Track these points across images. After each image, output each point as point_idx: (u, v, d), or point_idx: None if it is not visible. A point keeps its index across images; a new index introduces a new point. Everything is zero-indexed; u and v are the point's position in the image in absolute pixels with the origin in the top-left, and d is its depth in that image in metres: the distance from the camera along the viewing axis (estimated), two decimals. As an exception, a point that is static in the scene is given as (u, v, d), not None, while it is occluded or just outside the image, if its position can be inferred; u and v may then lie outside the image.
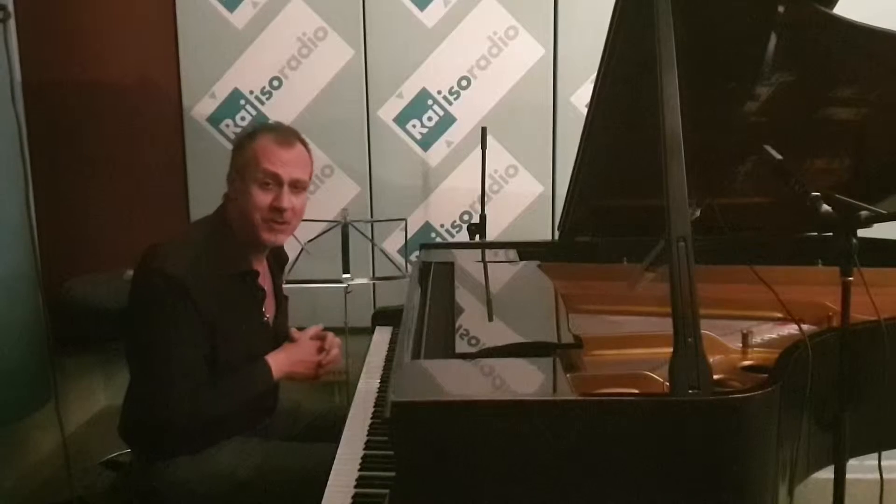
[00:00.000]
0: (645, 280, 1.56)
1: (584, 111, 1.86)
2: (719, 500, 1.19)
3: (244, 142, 1.85)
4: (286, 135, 1.85)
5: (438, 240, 3.15)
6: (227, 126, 3.12)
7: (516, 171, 3.12)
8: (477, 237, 2.66)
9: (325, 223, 2.67)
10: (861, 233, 1.34)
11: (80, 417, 3.14)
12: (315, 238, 2.64)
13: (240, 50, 3.08)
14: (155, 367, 1.71)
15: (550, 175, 3.10)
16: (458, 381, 1.34)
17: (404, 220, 2.84)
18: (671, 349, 1.19)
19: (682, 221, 1.23)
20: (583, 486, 1.17)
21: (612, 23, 1.61)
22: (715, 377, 1.28)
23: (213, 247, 1.81)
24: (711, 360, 1.23)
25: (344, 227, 2.66)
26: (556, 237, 2.29)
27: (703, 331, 1.21)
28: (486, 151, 2.72)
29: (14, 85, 2.39)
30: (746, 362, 1.62)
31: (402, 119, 3.10)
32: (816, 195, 1.33)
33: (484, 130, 2.74)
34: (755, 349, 1.67)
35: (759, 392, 1.21)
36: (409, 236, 2.86)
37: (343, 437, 1.62)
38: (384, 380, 1.91)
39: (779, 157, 1.43)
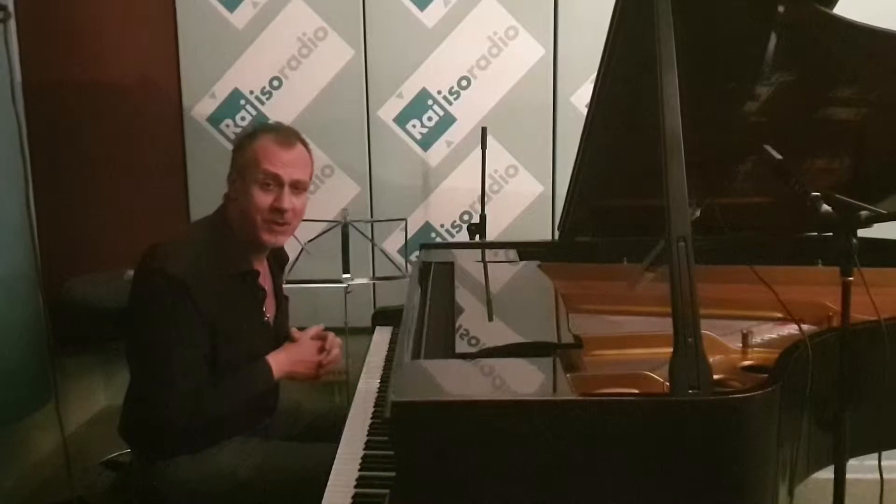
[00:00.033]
0: (645, 280, 1.56)
1: (584, 111, 1.86)
2: (719, 500, 1.19)
3: (244, 142, 1.85)
4: (287, 135, 1.85)
5: (438, 240, 3.15)
6: (228, 126, 3.12)
7: (516, 171, 3.12)
8: (477, 237, 2.66)
9: (326, 223, 2.67)
10: (861, 233, 1.34)
11: (81, 417, 3.15)
12: (315, 238, 2.64)
13: (240, 50, 3.08)
14: (155, 367, 1.71)
15: (550, 175, 3.10)
16: (458, 381, 1.34)
17: (404, 220, 2.84)
18: (671, 349, 1.19)
19: (682, 221, 1.23)
20: (583, 486, 1.17)
21: (612, 23, 1.61)
22: (715, 377, 1.28)
23: (213, 247, 1.81)
24: (711, 360, 1.23)
25: (344, 227, 2.66)
26: (556, 237, 2.29)
27: (703, 331, 1.21)
28: (486, 151, 2.72)
29: (14, 85, 2.39)
30: (746, 362, 1.62)
31: (402, 119, 3.10)
32: (816, 195, 1.33)
33: (484, 130, 2.74)
34: (755, 349, 1.67)
35: (760, 392, 1.21)
36: (409, 236, 2.86)
37: (343, 436, 1.62)
38: (384, 380, 1.91)
39: (779, 157, 1.43)
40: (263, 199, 1.80)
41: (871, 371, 1.52)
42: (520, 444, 1.16)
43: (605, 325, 1.83)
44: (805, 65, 1.76)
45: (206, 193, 2.97)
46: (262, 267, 1.94)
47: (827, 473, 1.47)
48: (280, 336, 1.96)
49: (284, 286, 2.08)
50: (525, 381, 1.37)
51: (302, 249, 2.57)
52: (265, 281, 1.93)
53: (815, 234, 2.15)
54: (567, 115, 3.04)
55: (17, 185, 2.48)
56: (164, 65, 3.12)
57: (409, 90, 3.08)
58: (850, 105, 1.89)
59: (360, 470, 1.47)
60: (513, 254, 2.26)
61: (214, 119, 3.13)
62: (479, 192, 2.73)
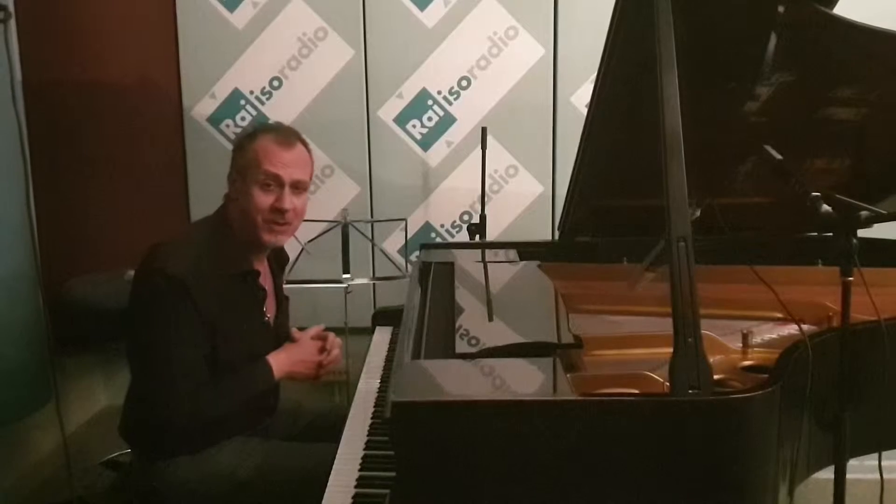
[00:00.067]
0: (645, 280, 1.57)
1: (584, 111, 1.86)
2: (719, 501, 1.19)
3: (245, 142, 1.85)
4: (287, 135, 1.85)
5: (438, 240, 3.14)
6: (228, 126, 3.12)
7: (516, 171, 3.12)
8: (477, 237, 2.66)
9: (326, 223, 2.67)
10: (861, 233, 1.34)
11: (81, 417, 3.14)
12: (315, 238, 2.64)
13: (240, 50, 3.07)
14: (156, 367, 1.71)
15: (550, 175, 3.10)
16: (458, 381, 1.34)
17: (404, 220, 2.84)
18: (671, 349, 1.19)
19: (682, 221, 1.23)
20: (583, 486, 1.17)
21: (612, 23, 1.61)
22: (715, 377, 1.28)
23: (214, 247, 1.81)
24: (711, 360, 1.23)
25: (344, 228, 2.66)
26: (556, 237, 2.29)
27: (703, 331, 1.21)
28: (486, 151, 2.72)
29: (14, 85, 2.38)
30: (746, 362, 1.62)
31: (402, 119, 3.10)
32: (816, 195, 1.33)
33: (484, 130, 2.74)
34: (755, 349, 1.67)
35: (760, 392, 1.21)
36: (409, 236, 2.86)
37: (343, 436, 1.62)
38: (384, 380, 1.91)
39: (779, 157, 1.43)
40: (264, 199, 1.80)
41: (871, 371, 1.52)
42: (520, 444, 1.16)
43: (605, 325, 1.83)
44: (805, 65, 1.76)
45: (206, 193, 2.97)
46: (263, 267, 1.94)
47: (827, 473, 1.47)
48: (280, 336, 1.96)
49: (285, 286, 2.08)
50: (525, 381, 1.37)
51: (302, 249, 2.57)
52: (266, 281, 1.93)
53: (815, 234, 2.15)
54: (567, 115, 3.04)
55: (17, 185, 2.47)
56: (164, 65, 3.12)
57: (409, 90, 3.07)
58: (851, 105, 1.89)
59: (360, 470, 1.47)
60: (513, 254, 2.26)
61: (214, 119, 3.13)
62: (479, 192, 2.73)
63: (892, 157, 2.00)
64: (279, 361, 1.86)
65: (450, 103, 3.08)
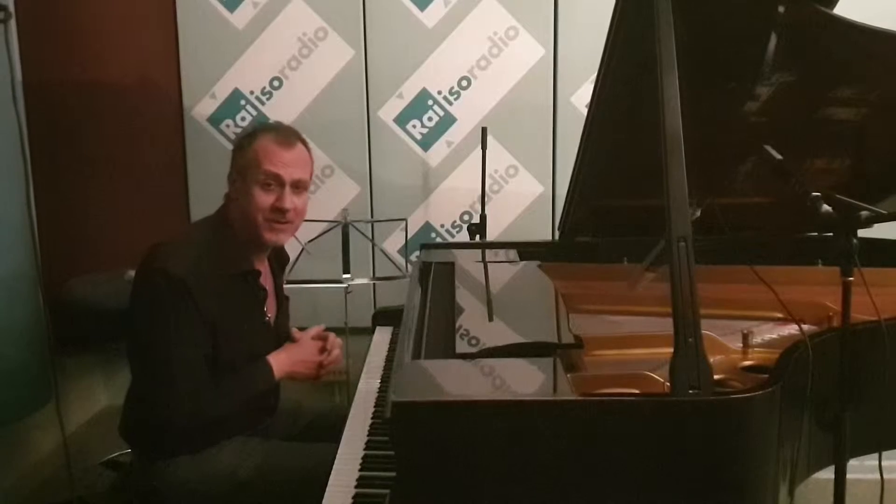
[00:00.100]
0: (645, 280, 1.57)
1: (584, 111, 1.86)
2: (719, 501, 1.19)
3: (245, 142, 1.85)
4: (287, 135, 1.85)
5: (439, 240, 3.14)
6: (228, 126, 3.12)
7: (516, 171, 3.12)
8: (477, 237, 2.66)
9: (326, 223, 2.67)
10: (861, 233, 1.34)
11: (81, 417, 3.14)
12: (315, 238, 2.64)
13: (240, 50, 3.07)
14: (156, 367, 1.71)
15: (550, 175, 3.10)
16: (458, 381, 1.34)
17: (404, 220, 2.84)
18: (671, 349, 1.19)
19: (682, 221, 1.23)
20: (583, 486, 1.17)
21: (612, 23, 1.61)
22: (715, 377, 1.28)
23: (214, 247, 1.81)
24: (712, 360, 1.23)
25: (344, 228, 2.66)
26: (557, 237, 2.29)
27: (703, 331, 1.21)
28: (487, 151, 2.72)
29: (15, 85, 2.38)
30: (747, 362, 1.62)
31: (402, 119, 3.10)
32: (817, 195, 1.33)
33: (484, 130, 2.74)
34: (755, 349, 1.67)
35: (760, 392, 1.21)
36: (409, 236, 2.86)
37: (343, 436, 1.62)
38: (385, 380, 1.91)
39: (779, 157, 1.43)
40: (265, 198, 1.80)
41: (872, 371, 1.52)
42: (520, 444, 1.16)
43: (605, 325, 1.83)
44: (805, 65, 1.76)
45: (206, 193, 2.97)
46: (264, 267, 1.94)
47: (827, 474, 1.47)
48: (281, 336, 1.96)
49: (285, 286, 2.08)
50: (525, 381, 1.37)
51: (302, 249, 2.57)
52: (266, 281, 1.93)
53: (816, 234, 2.15)
54: (567, 115, 3.04)
55: (17, 185, 2.47)
56: (164, 65, 3.12)
57: (410, 90, 3.07)
58: (851, 105, 1.89)
59: (360, 470, 1.47)
60: (513, 254, 2.26)
61: (215, 119, 3.12)
62: (480, 193, 2.73)
63: (892, 157, 2.00)
64: (279, 361, 1.86)
65: (450, 103, 3.08)
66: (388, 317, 2.31)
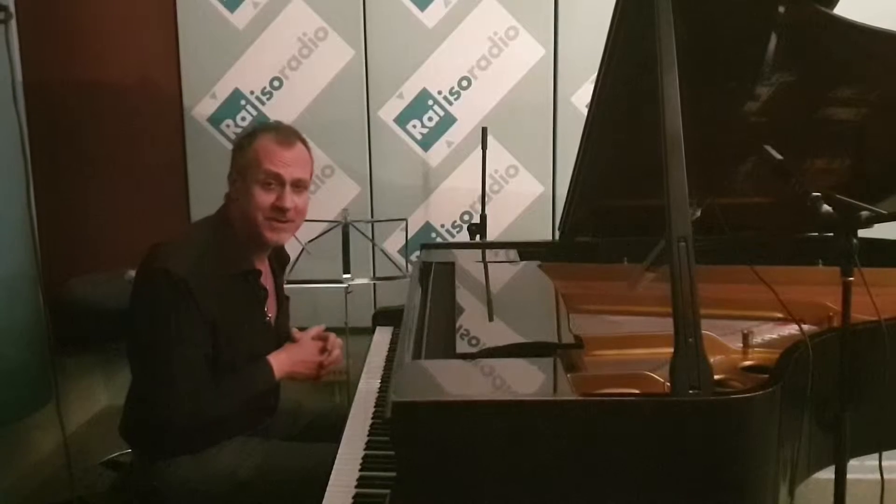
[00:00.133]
0: (645, 280, 1.57)
1: (584, 111, 1.86)
2: (720, 501, 1.19)
3: (245, 142, 1.85)
4: (287, 134, 1.85)
5: (439, 240, 3.14)
6: (228, 126, 3.12)
7: (516, 171, 3.12)
8: (477, 237, 2.66)
9: (326, 223, 2.67)
10: (861, 233, 1.34)
11: (81, 417, 3.14)
12: (316, 238, 2.64)
13: (240, 50, 3.07)
14: (157, 367, 1.71)
15: (550, 175, 3.10)
16: (458, 381, 1.34)
17: (405, 220, 2.84)
18: (672, 349, 1.19)
19: (682, 221, 1.23)
20: (583, 486, 1.17)
21: (612, 23, 1.61)
22: (715, 377, 1.28)
23: (215, 246, 1.81)
24: (712, 360, 1.23)
25: (344, 228, 2.66)
26: (557, 237, 2.29)
27: (703, 331, 1.21)
28: (487, 151, 2.72)
29: (15, 85, 2.39)
30: (747, 362, 1.62)
31: (402, 119, 3.10)
32: (817, 195, 1.33)
33: (484, 130, 2.74)
34: (756, 349, 1.67)
35: (760, 392, 1.21)
36: (409, 236, 2.86)
37: (344, 436, 1.62)
38: (385, 380, 1.91)
39: (779, 157, 1.43)
40: (265, 198, 1.80)
41: (872, 371, 1.52)
42: (520, 444, 1.16)
43: (605, 326, 1.83)
44: (805, 65, 1.76)
45: (206, 193, 2.97)
46: (264, 266, 1.94)
47: (827, 474, 1.47)
48: (281, 336, 1.96)
49: (285, 286, 2.08)
50: (525, 381, 1.37)
51: (302, 249, 2.57)
52: (267, 281, 1.93)
53: (816, 234, 2.15)
54: (567, 115, 3.04)
55: (17, 185, 2.47)
56: (164, 65, 3.12)
57: (410, 90, 3.07)
58: (851, 105, 1.89)
59: (360, 470, 1.47)
60: (513, 254, 2.26)
61: (215, 119, 3.13)
62: (480, 193, 2.73)
63: (892, 157, 2.00)
64: (280, 361, 1.86)
65: (450, 103, 3.08)
66: (388, 317, 2.31)
